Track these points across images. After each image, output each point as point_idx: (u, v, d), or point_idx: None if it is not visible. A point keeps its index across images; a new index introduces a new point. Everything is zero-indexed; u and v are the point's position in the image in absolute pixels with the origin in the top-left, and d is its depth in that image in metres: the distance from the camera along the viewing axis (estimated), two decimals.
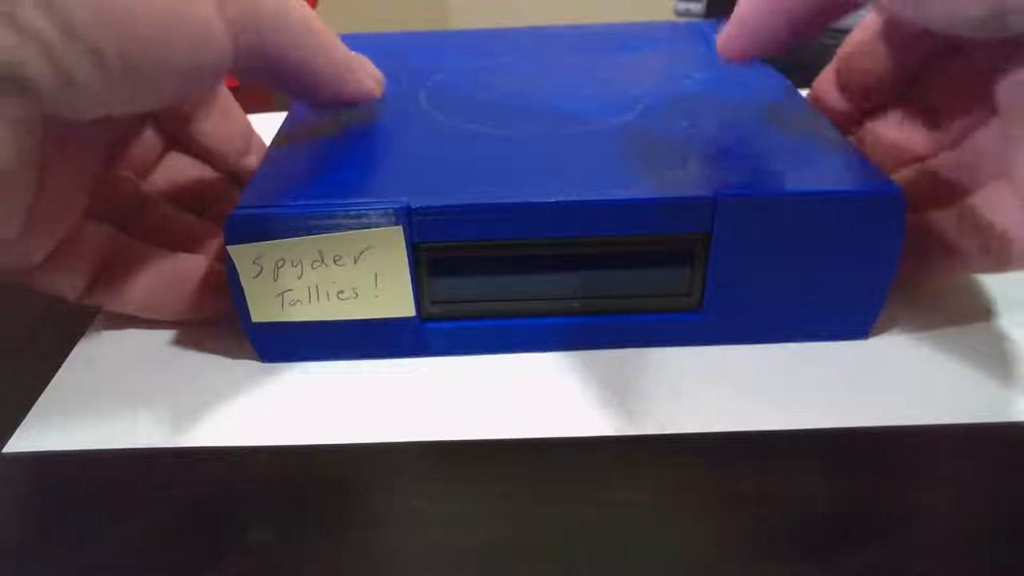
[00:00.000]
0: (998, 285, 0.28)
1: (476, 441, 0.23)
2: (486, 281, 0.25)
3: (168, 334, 0.27)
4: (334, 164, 0.25)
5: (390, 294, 0.24)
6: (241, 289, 0.24)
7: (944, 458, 0.22)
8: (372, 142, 0.26)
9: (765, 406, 0.23)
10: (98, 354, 0.27)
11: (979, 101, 0.23)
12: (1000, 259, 0.23)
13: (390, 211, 0.22)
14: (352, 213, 0.22)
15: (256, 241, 0.23)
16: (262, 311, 0.24)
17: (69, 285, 0.24)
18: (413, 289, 0.24)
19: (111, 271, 0.25)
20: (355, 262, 0.23)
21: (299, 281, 0.23)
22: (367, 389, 0.25)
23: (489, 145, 0.26)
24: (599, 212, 0.23)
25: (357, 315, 0.24)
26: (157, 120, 0.29)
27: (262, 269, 0.23)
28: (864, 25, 0.29)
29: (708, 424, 0.23)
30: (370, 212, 0.22)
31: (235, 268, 0.23)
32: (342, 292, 0.24)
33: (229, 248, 0.23)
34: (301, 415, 0.24)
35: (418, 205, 0.23)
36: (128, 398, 0.25)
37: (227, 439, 0.23)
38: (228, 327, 0.26)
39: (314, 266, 0.23)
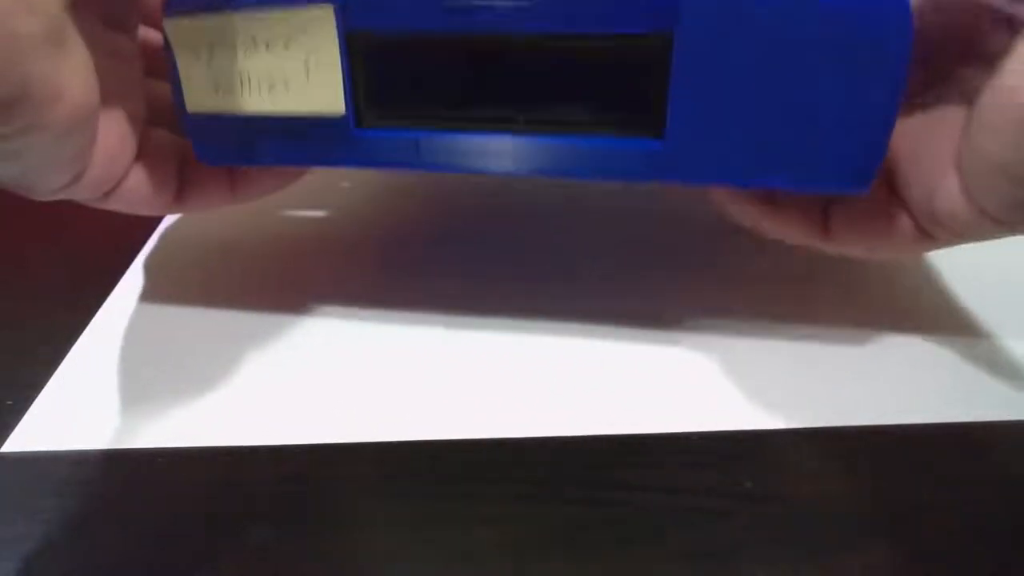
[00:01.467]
0: (999, 285, 0.28)
1: (476, 440, 0.23)
2: (425, 83, 0.23)
3: (168, 333, 0.27)
4: None
5: (321, 86, 0.23)
6: (177, 77, 0.23)
7: (943, 458, 0.22)
8: None
9: (765, 406, 0.23)
10: (98, 354, 0.27)
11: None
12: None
13: None
14: None
15: (191, 12, 0.22)
16: (196, 99, 0.24)
17: (159, 190, 0.25)
18: (345, 84, 0.22)
19: (193, 174, 0.25)
20: (286, 47, 0.22)
21: (232, 68, 0.23)
22: (367, 388, 0.25)
23: None
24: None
25: (288, 108, 0.23)
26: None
27: (197, 54, 0.23)
28: None
29: (708, 424, 0.23)
30: None
31: (172, 51, 0.23)
32: (273, 84, 0.23)
33: (165, 22, 0.22)
34: (301, 415, 0.24)
35: None
36: (128, 398, 0.25)
37: (227, 439, 0.23)
38: (228, 326, 0.26)
39: (247, 52, 0.23)
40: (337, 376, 0.25)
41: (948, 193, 0.20)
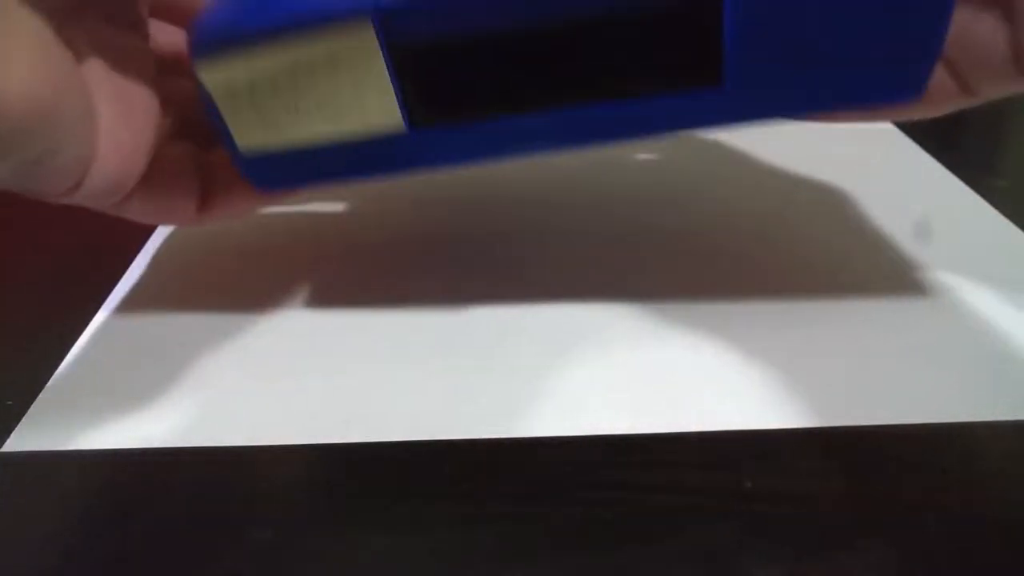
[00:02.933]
0: (1000, 285, 0.28)
1: (476, 440, 0.23)
2: (477, 76, 0.22)
3: (168, 333, 0.27)
4: None
5: (372, 101, 0.22)
6: (220, 119, 0.23)
7: (943, 458, 0.22)
8: None
9: (765, 406, 0.23)
10: (98, 354, 0.27)
11: None
12: None
13: (358, 9, 0.20)
14: (317, 14, 0.21)
15: (220, 53, 0.21)
16: (245, 138, 0.23)
17: (181, 197, 0.24)
18: (397, 95, 0.22)
19: (217, 183, 0.25)
20: (328, 70, 0.21)
21: (276, 101, 0.22)
22: (367, 389, 0.25)
23: None
24: None
25: (342, 128, 0.23)
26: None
27: (235, 94, 0.22)
28: None
29: (708, 424, 0.23)
30: (336, 11, 0.20)
31: (208, 94, 0.22)
32: (322, 106, 0.22)
33: (194, 66, 0.22)
34: (302, 414, 0.24)
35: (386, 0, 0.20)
36: (128, 398, 0.25)
37: (227, 439, 0.23)
38: (229, 326, 0.26)
39: (287, 81, 0.22)
40: (337, 377, 0.25)
41: (985, 29, 0.20)
